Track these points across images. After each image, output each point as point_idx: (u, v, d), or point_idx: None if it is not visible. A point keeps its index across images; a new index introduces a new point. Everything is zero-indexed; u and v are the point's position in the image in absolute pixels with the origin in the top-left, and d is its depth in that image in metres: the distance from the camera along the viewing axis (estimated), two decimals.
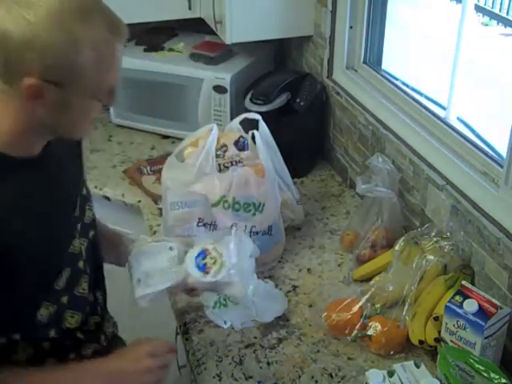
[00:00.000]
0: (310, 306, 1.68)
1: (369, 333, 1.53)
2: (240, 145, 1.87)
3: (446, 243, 1.60)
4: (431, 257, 1.59)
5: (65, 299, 1.26)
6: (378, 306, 1.60)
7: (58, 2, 1.04)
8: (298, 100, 2.19)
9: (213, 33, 2.40)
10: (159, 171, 1.95)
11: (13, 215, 1.12)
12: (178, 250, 1.45)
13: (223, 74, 2.33)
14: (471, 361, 1.31)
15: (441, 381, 1.36)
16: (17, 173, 1.14)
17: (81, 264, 1.31)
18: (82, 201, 1.35)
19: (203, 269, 1.40)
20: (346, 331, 1.56)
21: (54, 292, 1.23)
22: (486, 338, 1.35)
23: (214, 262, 1.41)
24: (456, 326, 1.39)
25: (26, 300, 1.19)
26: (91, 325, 1.38)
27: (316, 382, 1.47)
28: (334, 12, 2.20)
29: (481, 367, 1.29)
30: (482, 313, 1.35)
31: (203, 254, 1.41)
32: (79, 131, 1.22)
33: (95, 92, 1.12)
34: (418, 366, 1.38)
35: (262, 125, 1.88)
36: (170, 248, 1.43)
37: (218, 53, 2.43)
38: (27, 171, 1.16)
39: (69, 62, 1.06)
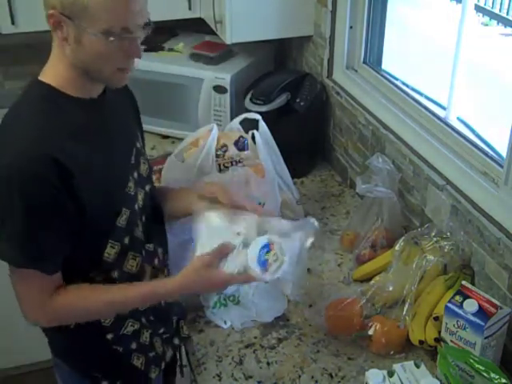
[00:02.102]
0: (310, 306, 1.68)
1: (369, 333, 1.53)
2: (240, 145, 1.87)
3: (445, 243, 1.60)
4: (431, 257, 1.59)
5: (127, 239, 1.36)
6: (377, 305, 1.60)
7: None
8: (298, 100, 2.19)
9: (213, 33, 2.40)
10: (159, 171, 1.95)
11: (73, 141, 1.24)
12: (245, 234, 1.39)
13: (223, 74, 2.33)
14: (471, 361, 1.31)
15: (441, 381, 1.36)
16: (76, 108, 1.27)
17: (137, 207, 1.39)
18: (138, 153, 1.44)
19: (264, 265, 1.36)
20: (346, 331, 1.56)
21: (117, 230, 1.34)
22: (486, 337, 1.35)
23: (276, 260, 1.37)
24: (456, 326, 1.39)
25: (95, 235, 1.30)
26: (148, 274, 1.44)
27: (316, 382, 1.47)
28: (334, 12, 2.20)
29: (481, 367, 1.30)
30: (482, 313, 1.35)
31: (267, 247, 1.37)
32: (107, 76, 1.28)
33: (105, 29, 1.19)
34: (417, 366, 1.38)
35: (262, 125, 1.88)
36: (238, 233, 1.39)
37: (217, 53, 2.43)
38: (85, 110, 1.29)
39: None
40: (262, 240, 1.38)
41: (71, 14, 1.18)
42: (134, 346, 1.45)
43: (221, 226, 1.41)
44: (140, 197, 1.41)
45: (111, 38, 1.19)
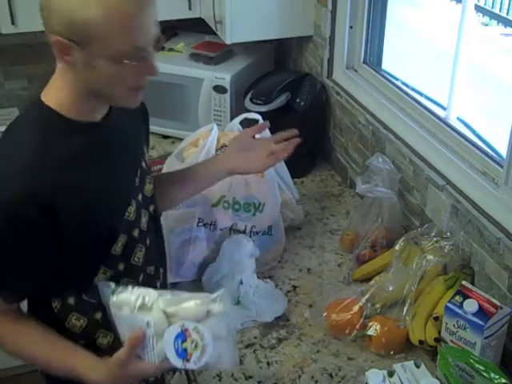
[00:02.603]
0: (310, 306, 1.68)
1: (369, 333, 1.53)
2: None
3: (445, 243, 1.60)
4: (431, 257, 1.59)
5: (121, 266, 1.30)
6: (377, 305, 1.60)
7: None
8: (297, 100, 2.19)
9: (213, 33, 2.40)
10: (159, 171, 1.95)
11: (70, 169, 1.18)
12: (154, 324, 1.19)
13: (223, 74, 2.33)
14: (471, 361, 1.31)
15: (441, 381, 1.36)
16: (76, 134, 1.20)
17: (136, 233, 1.33)
18: (142, 173, 1.38)
19: (183, 356, 1.19)
20: (346, 331, 1.56)
21: (111, 257, 1.27)
22: (486, 337, 1.35)
23: (196, 347, 1.19)
24: (456, 326, 1.39)
25: (85, 262, 1.24)
26: None
27: (316, 382, 1.47)
28: (333, 12, 2.20)
29: (481, 367, 1.30)
30: (482, 313, 1.35)
31: (182, 335, 1.19)
32: (119, 97, 1.21)
33: (117, 51, 1.11)
34: (418, 366, 1.38)
35: None
36: (147, 323, 1.19)
37: (217, 53, 2.43)
38: (86, 134, 1.21)
39: (80, 19, 1.08)
40: (174, 329, 1.19)
41: (79, 39, 1.09)
42: None
43: (127, 315, 1.21)
44: (144, 219, 1.35)
45: (125, 61, 1.12)
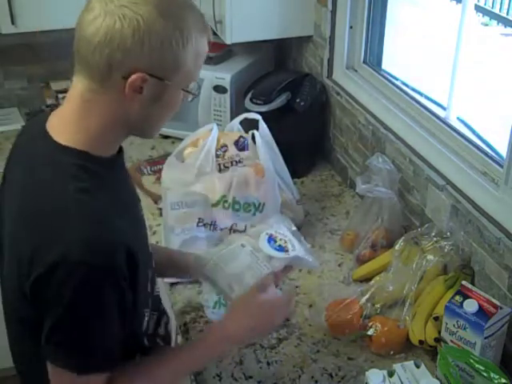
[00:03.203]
0: (310, 306, 1.68)
1: (369, 333, 1.53)
2: (240, 145, 1.87)
3: (445, 243, 1.60)
4: (431, 257, 1.59)
5: (150, 301, 1.28)
6: (377, 306, 1.60)
7: None
8: (297, 100, 2.19)
9: (213, 33, 2.40)
10: (159, 171, 1.95)
11: (123, 219, 1.11)
12: (248, 243, 1.44)
13: (223, 74, 2.33)
14: (471, 361, 1.31)
15: (441, 381, 1.36)
16: (106, 172, 1.13)
17: (153, 263, 1.30)
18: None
19: (282, 249, 1.41)
20: (346, 331, 1.56)
21: (148, 295, 1.25)
22: (486, 337, 1.35)
23: (285, 242, 1.43)
24: (456, 326, 1.39)
25: (140, 311, 1.21)
26: (162, 325, 1.39)
27: (316, 382, 1.47)
28: (333, 12, 2.20)
29: (481, 367, 1.30)
30: (482, 313, 1.35)
31: (271, 238, 1.43)
32: (158, 128, 1.20)
33: (186, 85, 1.13)
34: (418, 366, 1.38)
35: (262, 125, 1.88)
36: (242, 245, 1.42)
37: (217, 53, 2.43)
38: (111, 171, 1.16)
39: (174, 56, 1.07)
40: (263, 237, 1.43)
41: (164, 73, 1.08)
42: None
43: (224, 251, 1.44)
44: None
45: (193, 92, 1.15)
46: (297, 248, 1.43)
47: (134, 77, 1.05)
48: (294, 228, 1.51)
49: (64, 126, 1.12)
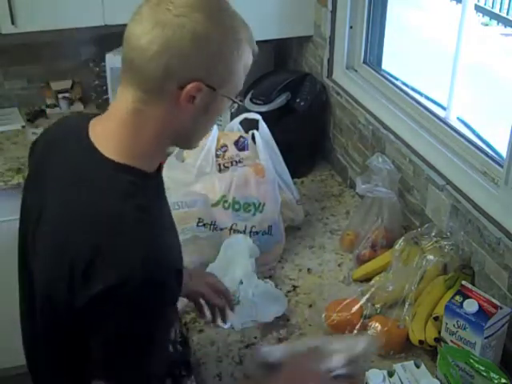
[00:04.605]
0: (310, 306, 1.68)
1: (369, 333, 1.53)
2: (240, 145, 1.87)
3: (445, 243, 1.60)
4: (431, 257, 1.59)
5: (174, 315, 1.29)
6: (377, 306, 1.60)
7: (219, 5, 1.08)
8: (298, 100, 2.19)
9: None
10: None
11: (169, 232, 1.11)
12: None
13: None
14: (471, 361, 1.31)
15: (441, 381, 1.36)
16: (153, 188, 1.12)
17: None
18: None
19: None
20: (346, 331, 1.56)
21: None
22: (486, 337, 1.35)
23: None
24: (456, 326, 1.39)
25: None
26: (178, 331, 1.40)
27: None
28: (334, 12, 2.20)
29: (481, 367, 1.30)
30: (482, 313, 1.35)
31: None
32: (203, 136, 1.19)
33: (234, 94, 1.13)
34: (418, 366, 1.38)
35: (262, 125, 1.88)
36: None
37: None
38: (157, 187, 1.15)
39: (230, 66, 1.09)
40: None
41: (218, 83, 1.07)
42: None
43: None
44: None
45: (237, 100, 1.15)
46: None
47: (190, 86, 1.03)
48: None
49: (112, 140, 1.08)
